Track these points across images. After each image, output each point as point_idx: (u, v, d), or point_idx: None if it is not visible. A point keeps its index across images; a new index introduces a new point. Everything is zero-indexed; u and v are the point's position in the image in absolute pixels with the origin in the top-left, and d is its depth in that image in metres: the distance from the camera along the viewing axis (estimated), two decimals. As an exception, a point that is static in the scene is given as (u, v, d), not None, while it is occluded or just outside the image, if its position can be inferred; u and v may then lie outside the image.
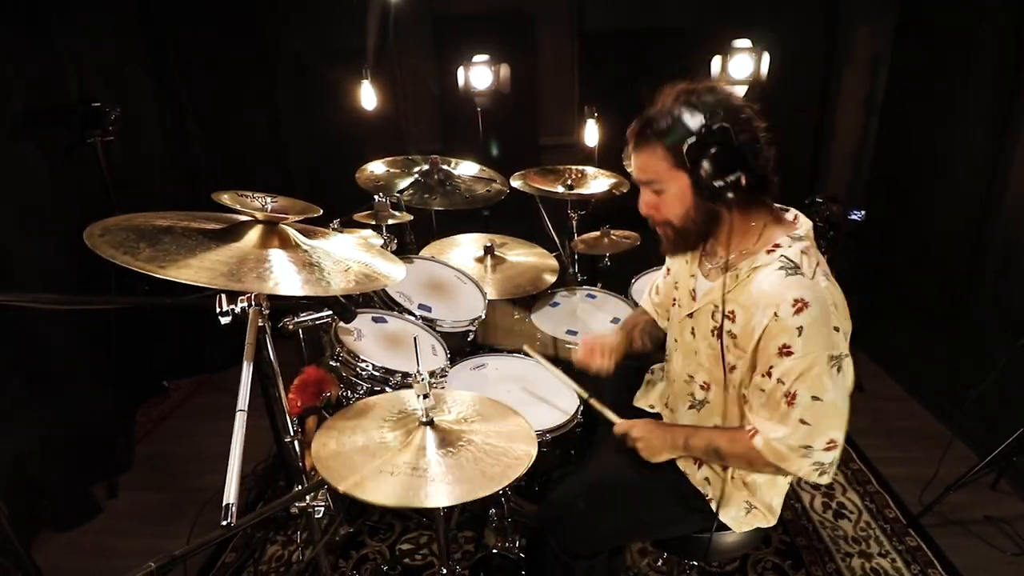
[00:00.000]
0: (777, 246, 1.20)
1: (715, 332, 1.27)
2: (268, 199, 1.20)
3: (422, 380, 1.16)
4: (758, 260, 1.21)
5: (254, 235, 1.16)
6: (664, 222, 1.26)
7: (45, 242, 2.31)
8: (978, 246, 2.59)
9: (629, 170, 1.28)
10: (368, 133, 3.44)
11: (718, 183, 1.13)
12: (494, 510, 1.95)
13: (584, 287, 2.45)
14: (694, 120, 1.13)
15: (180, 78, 3.11)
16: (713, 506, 1.37)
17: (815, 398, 1.13)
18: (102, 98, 2.40)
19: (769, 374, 1.17)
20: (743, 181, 1.13)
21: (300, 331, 1.85)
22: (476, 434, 1.23)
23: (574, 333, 2.12)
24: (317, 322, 1.59)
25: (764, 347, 1.17)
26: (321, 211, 1.24)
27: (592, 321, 2.22)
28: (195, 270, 0.95)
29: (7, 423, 2.13)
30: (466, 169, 2.61)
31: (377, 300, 1.86)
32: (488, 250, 2.32)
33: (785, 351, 1.13)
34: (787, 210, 1.32)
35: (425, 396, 1.18)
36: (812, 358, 1.12)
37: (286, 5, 3.59)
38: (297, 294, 1.04)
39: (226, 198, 1.15)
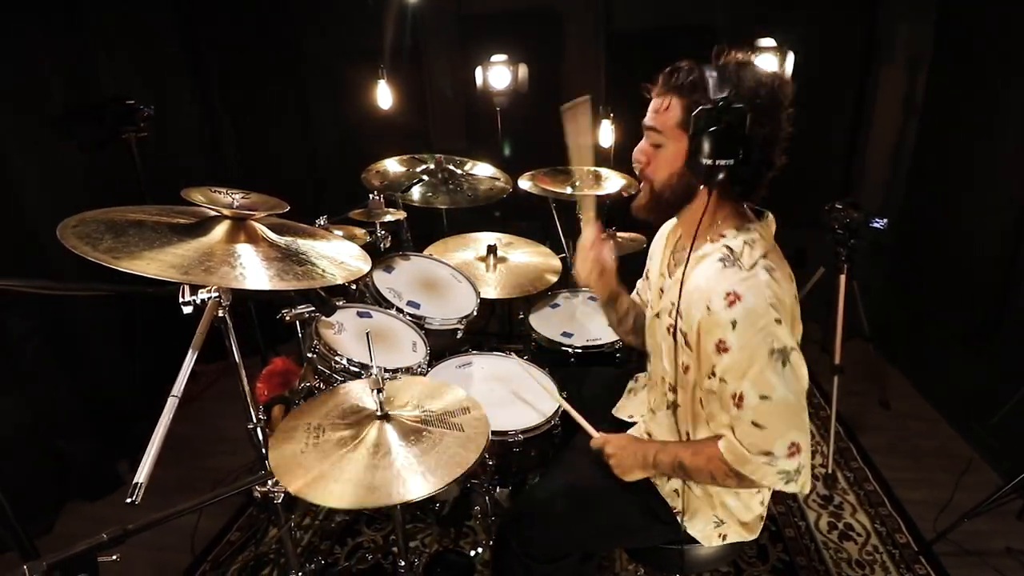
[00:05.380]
0: (722, 235, 1.17)
1: (670, 330, 1.25)
2: (238, 195, 1.25)
3: (374, 375, 1.19)
4: (703, 249, 1.18)
5: (221, 230, 1.21)
6: (648, 178, 1.23)
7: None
8: (1015, 260, 2.41)
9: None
10: (395, 133, 3.51)
11: (708, 161, 1.08)
12: (477, 507, 1.96)
13: (587, 289, 2.42)
14: (718, 90, 1.08)
15: (215, 79, 3.24)
16: (680, 519, 1.34)
17: (763, 397, 1.09)
18: (139, 98, 2.52)
19: (713, 374, 1.15)
20: (735, 171, 1.08)
21: (297, 323, 1.90)
22: (434, 419, 1.27)
23: (569, 335, 2.11)
24: (307, 315, 1.65)
25: (704, 344, 1.14)
26: (288, 207, 1.28)
27: (591, 324, 2.20)
28: (147, 261, 1.01)
29: (39, 397, 2.29)
30: (470, 168, 2.62)
31: (369, 296, 1.90)
32: (491, 249, 2.33)
33: (722, 347, 1.10)
34: (764, 213, 1.26)
35: (379, 391, 1.21)
36: (749, 353, 1.08)
37: (318, 7, 3.70)
38: (250, 288, 1.08)
39: (200, 197, 1.20)
